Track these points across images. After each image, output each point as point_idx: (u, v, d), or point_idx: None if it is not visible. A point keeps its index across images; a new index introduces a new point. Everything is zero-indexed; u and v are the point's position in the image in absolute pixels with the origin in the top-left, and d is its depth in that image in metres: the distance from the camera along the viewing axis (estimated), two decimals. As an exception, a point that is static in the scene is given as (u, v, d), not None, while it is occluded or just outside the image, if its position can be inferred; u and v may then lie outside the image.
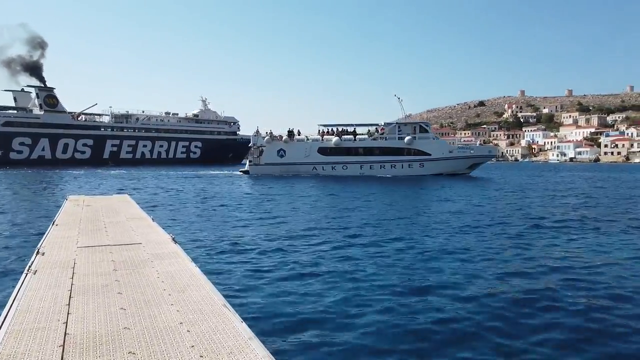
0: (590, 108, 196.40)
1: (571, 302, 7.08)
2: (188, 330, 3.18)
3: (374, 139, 47.40)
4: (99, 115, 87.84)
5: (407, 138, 45.26)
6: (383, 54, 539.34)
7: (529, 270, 9.01)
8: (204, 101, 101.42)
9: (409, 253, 10.57)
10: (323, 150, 46.81)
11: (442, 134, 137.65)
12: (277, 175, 44.79)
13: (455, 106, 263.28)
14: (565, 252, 10.71)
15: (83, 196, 12.69)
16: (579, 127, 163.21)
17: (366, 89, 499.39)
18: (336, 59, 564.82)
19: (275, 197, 24.27)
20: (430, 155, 45.59)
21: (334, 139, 46.85)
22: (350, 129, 49.21)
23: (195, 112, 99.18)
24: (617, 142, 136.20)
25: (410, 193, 27.50)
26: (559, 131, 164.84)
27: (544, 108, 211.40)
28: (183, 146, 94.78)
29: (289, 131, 49.20)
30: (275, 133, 48.17)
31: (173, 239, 6.27)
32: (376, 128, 50.06)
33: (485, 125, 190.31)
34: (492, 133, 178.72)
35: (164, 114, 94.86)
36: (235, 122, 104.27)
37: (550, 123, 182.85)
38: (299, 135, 49.08)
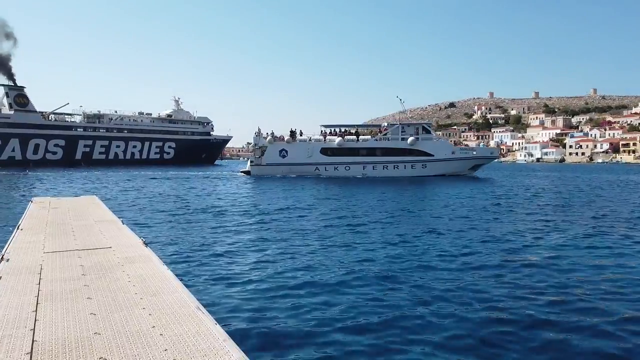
0: (556, 110, 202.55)
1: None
2: (161, 334, 3.13)
3: (377, 140, 47.46)
4: (70, 115, 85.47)
5: (410, 139, 45.45)
6: (355, 56, 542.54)
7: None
8: (176, 101, 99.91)
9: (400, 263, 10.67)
10: (326, 151, 46.67)
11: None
12: (280, 176, 44.47)
13: (426, 107, 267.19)
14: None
15: (49, 198, 12.29)
16: (545, 128, 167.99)
17: (337, 91, 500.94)
18: (308, 62, 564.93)
19: (261, 198, 24.10)
20: (433, 156, 45.85)
21: (337, 139, 46.82)
22: (352, 130, 49.56)
23: (168, 112, 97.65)
24: (581, 143, 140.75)
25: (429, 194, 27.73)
26: (526, 132, 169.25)
27: (512, 109, 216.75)
28: (157, 147, 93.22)
29: (291, 131, 49.03)
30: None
31: (144, 242, 6.16)
32: (379, 129, 50.63)
33: (455, 126, 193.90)
34: (462, 134, 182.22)
35: (137, 114, 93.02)
36: (209, 123, 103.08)
37: (518, 124, 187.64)
38: (301, 135, 48.92)
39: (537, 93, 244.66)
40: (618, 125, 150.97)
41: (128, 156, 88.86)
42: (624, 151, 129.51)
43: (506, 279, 8.43)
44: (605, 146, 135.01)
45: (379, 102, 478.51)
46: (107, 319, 3.40)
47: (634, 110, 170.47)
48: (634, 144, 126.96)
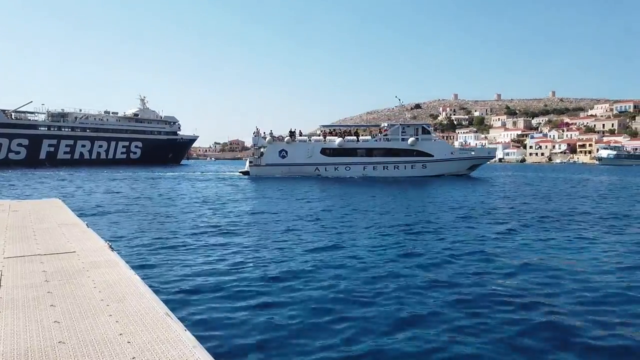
0: (517, 111, 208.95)
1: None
2: (128, 342, 3.09)
3: (377, 140, 47.68)
4: (32, 113, 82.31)
5: (410, 139, 45.82)
6: (323, 57, 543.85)
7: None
8: (142, 100, 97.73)
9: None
10: (326, 151, 46.57)
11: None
12: (279, 177, 44.09)
13: (393, 108, 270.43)
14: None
15: (8, 200, 11.80)
16: (507, 129, 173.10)
17: (305, 91, 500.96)
18: (276, 62, 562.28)
19: (241, 198, 23.83)
20: (432, 156, 46.29)
21: (338, 139, 46.81)
22: (351, 130, 49.91)
23: (134, 111, 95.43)
24: (540, 144, 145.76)
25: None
26: (489, 133, 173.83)
27: (476, 111, 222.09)
28: (123, 146, 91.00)
29: (290, 132, 48.73)
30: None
31: (110, 246, 6.02)
32: (379, 129, 50.90)
33: (319, 127, 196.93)
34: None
35: (102, 113, 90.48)
36: (176, 122, 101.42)
37: (481, 125, 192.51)
38: (300, 135, 48.72)
39: (499, 95, 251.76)
40: (575, 126, 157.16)
41: (94, 156, 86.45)
42: (581, 152, 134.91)
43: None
44: (563, 147, 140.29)
45: (347, 103, 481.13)
46: (72, 327, 3.32)
47: (590, 112, 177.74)
48: (590, 145, 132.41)
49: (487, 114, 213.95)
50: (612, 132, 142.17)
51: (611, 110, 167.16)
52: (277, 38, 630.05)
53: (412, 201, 23.17)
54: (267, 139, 47.03)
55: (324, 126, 52.12)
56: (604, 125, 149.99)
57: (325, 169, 46.29)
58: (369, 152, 46.65)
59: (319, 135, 49.93)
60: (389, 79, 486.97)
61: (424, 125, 50.14)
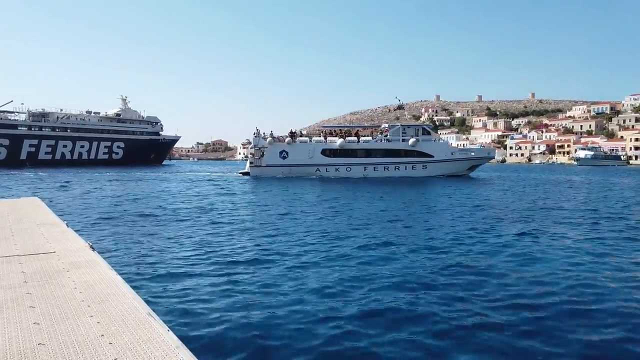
0: (498, 113, 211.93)
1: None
2: (110, 343, 3.05)
3: (377, 141, 47.89)
4: (12, 112, 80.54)
5: (411, 140, 46.04)
6: (306, 58, 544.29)
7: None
8: (124, 100, 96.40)
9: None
10: (327, 152, 46.63)
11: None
12: (280, 177, 44.03)
13: (376, 109, 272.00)
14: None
15: (-16, 201, 11.53)
16: (487, 130, 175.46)
17: (288, 91, 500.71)
18: (258, 62, 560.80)
19: (228, 199, 23.65)
20: (433, 157, 46.50)
21: (339, 140, 46.88)
22: (351, 131, 50.06)
23: (115, 111, 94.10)
24: (520, 145, 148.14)
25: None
26: (470, 134, 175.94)
27: (457, 112, 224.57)
28: (105, 146, 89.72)
29: (291, 132, 48.84)
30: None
31: (91, 246, 5.93)
32: (380, 130, 51.16)
33: (320, 127, 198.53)
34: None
35: (84, 113, 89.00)
36: (158, 122, 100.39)
37: (462, 126, 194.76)
38: (302, 136, 49.17)
39: (480, 96, 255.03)
40: (554, 127, 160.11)
41: (75, 156, 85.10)
42: (559, 152, 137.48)
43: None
44: (543, 147, 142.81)
45: (330, 103, 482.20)
46: (51, 329, 3.27)
47: (568, 113, 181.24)
48: (568, 146, 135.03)
49: (468, 115, 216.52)
50: (589, 133, 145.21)
51: (589, 111, 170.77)
52: (261, 38, 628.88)
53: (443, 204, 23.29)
54: (267, 140, 47.08)
55: (324, 126, 52.62)
56: (581, 126, 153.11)
57: (326, 169, 46.37)
58: (370, 152, 46.88)
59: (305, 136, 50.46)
60: (371, 80, 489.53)
61: (425, 126, 50.58)
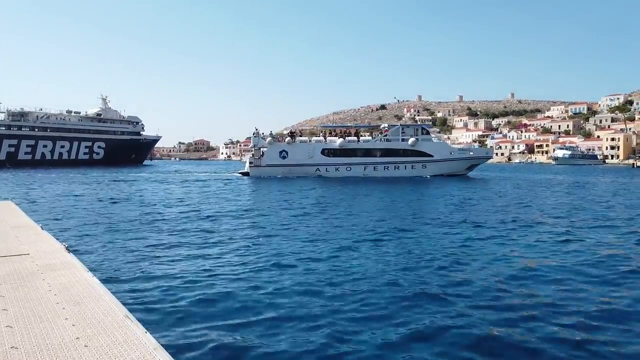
0: (478, 113, 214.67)
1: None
2: (86, 345, 2.99)
3: (377, 141, 48.10)
4: None
5: (411, 140, 46.29)
6: (288, 57, 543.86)
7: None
8: (104, 99, 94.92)
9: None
10: (327, 152, 46.68)
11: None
12: (280, 177, 44.02)
13: (359, 109, 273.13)
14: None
15: (-44, 203, 11.21)
16: (468, 130, 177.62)
17: (269, 90, 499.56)
18: (240, 61, 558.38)
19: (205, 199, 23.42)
20: (432, 156, 46.74)
21: (339, 140, 46.96)
22: (350, 131, 50.29)
23: (96, 111, 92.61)
24: (500, 144, 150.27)
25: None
26: (451, 134, 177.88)
27: (439, 112, 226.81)
28: (86, 147, 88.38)
29: (291, 132, 49.06)
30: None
31: (67, 248, 5.81)
32: (380, 130, 51.30)
33: (319, 127, 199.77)
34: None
35: (64, 113, 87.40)
36: (139, 122, 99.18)
37: (444, 126, 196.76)
38: (296, 136, 49.11)
39: (461, 97, 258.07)
40: (533, 127, 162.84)
41: (56, 156, 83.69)
42: (538, 152, 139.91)
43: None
44: (522, 147, 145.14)
45: (313, 103, 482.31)
46: (25, 332, 3.19)
47: (546, 113, 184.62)
48: (547, 145, 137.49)
49: (449, 115, 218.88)
50: (567, 133, 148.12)
51: (566, 112, 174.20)
52: (243, 38, 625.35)
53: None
54: (267, 140, 47.20)
55: (324, 126, 52.56)
56: (559, 126, 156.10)
57: (326, 169, 46.49)
58: (370, 152, 47.10)
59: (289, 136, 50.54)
60: (354, 80, 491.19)
61: (424, 126, 50.98)
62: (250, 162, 48.19)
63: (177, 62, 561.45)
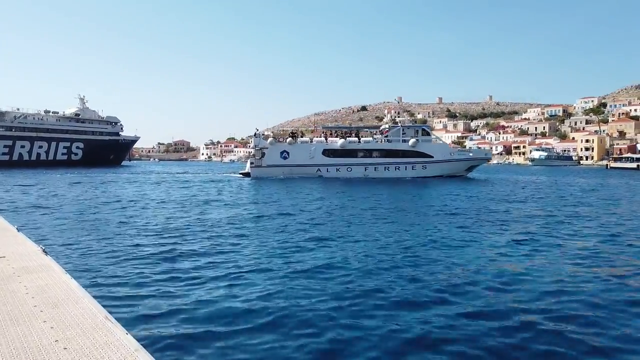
0: (457, 114, 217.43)
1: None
2: (65, 348, 2.97)
3: (378, 141, 48.19)
4: None
5: (411, 140, 46.45)
6: (270, 59, 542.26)
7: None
8: (81, 99, 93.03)
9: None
10: (328, 152, 46.68)
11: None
12: (281, 177, 43.80)
13: (340, 110, 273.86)
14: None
15: None
16: (448, 131, 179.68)
17: (250, 91, 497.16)
18: (220, 61, 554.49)
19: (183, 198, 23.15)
20: (432, 157, 46.91)
21: (340, 141, 46.98)
22: (349, 131, 50.60)
23: (74, 110, 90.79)
24: (479, 145, 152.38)
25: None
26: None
27: (419, 114, 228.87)
28: (64, 147, 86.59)
29: (292, 133, 48.93)
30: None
31: (44, 251, 5.73)
32: (380, 130, 51.52)
33: (319, 128, 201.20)
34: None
35: (42, 112, 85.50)
36: (118, 122, 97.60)
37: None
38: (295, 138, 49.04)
39: (440, 98, 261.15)
40: (510, 129, 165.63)
41: (34, 157, 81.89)
42: (516, 153, 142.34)
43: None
44: (500, 148, 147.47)
45: (294, 104, 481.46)
46: (2, 335, 3.15)
47: (523, 115, 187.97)
48: (524, 147, 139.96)
49: (429, 116, 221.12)
50: (543, 135, 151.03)
51: (543, 114, 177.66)
52: (222, 39, 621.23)
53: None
54: (269, 140, 47.21)
55: (325, 127, 53.04)
56: (536, 128, 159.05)
57: (327, 169, 46.53)
58: (370, 153, 47.26)
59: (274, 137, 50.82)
60: (334, 82, 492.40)
61: (424, 127, 51.32)
62: (251, 163, 48.09)
63: (155, 62, 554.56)
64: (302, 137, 49.32)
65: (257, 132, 48.33)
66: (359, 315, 6.65)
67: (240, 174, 49.67)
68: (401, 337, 5.90)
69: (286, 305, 7.03)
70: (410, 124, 52.54)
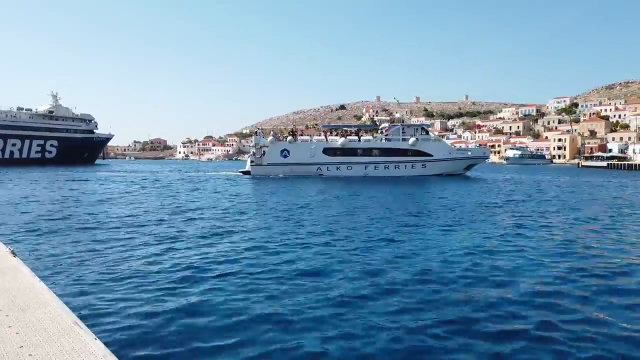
0: (434, 114, 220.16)
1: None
2: (30, 354, 2.86)
3: (378, 140, 48.45)
4: None
5: (411, 139, 46.66)
6: (247, 56, 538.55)
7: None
8: (54, 96, 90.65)
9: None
10: (328, 151, 46.71)
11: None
12: (281, 176, 43.82)
13: (319, 109, 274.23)
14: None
15: None
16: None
17: (231, 90, 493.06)
18: (198, 59, 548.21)
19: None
20: (432, 156, 47.15)
21: (340, 139, 47.06)
22: (349, 130, 51.15)
23: (47, 108, 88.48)
24: (455, 144, 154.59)
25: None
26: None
27: (397, 113, 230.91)
28: (38, 145, 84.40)
29: (292, 132, 49.36)
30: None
31: (12, 252, 5.54)
32: (380, 129, 51.80)
33: (319, 127, 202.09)
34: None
35: (15, 109, 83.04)
36: (92, 120, 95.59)
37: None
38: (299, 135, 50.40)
39: (418, 98, 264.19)
40: (486, 128, 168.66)
41: (7, 155, 79.72)
42: (491, 151, 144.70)
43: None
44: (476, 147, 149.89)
45: (273, 103, 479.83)
46: (-37, 342, 3.02)
47: (498, 115, 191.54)
48: (499, 146, 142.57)
49: (407, 115, 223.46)
50: (517, 134, 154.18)
51: (517, 113, 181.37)
52: (199, 34, 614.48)
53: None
54: (269, 139, 47.36)
55: (325, 126, 53.41)
56: (510, 127, 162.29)
57: (327, 168, 46.63)
58: (370, 151, 47.41)
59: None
60: (313, 81, 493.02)
61: (424, 126, 51.76)
62: (251, 161, 48.18)
63: (130, 59, 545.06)
64: (255, 134, 49.20)
65: (258, 131, 49.02)
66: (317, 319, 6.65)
67: (241, 172, 49.71)
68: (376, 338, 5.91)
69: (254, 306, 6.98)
70: (410, 123, 53.41)
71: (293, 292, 7.65)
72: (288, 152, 46.90)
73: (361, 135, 50.44)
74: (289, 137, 48.33)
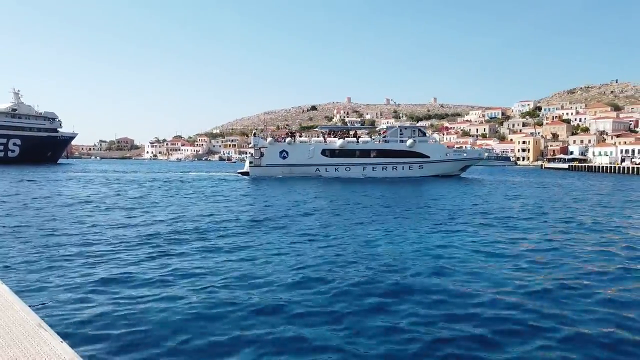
0: (404, 115, 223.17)
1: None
2: (-6, 358, 2.80)
3: (376, 142, 48.61)
4: None
5: (409, 141, 46.98)
6: (218, 56, 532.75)
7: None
8: (16, 94, 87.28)
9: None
10: (327, 152, 46.82)
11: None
12: (280, 177, 43.74)
13: (290, 109, 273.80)
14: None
15: None
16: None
17: (202, 89, 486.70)
18: (170, 57, 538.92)
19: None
20: (429, 157, 47.58)
21: (339, 141, 47.10)
22: (349, 131, 51.40)
23: (9, 105, 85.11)
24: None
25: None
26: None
27: (367, 114, 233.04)
28: (0, 143, 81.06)
29: (291, 133, 49.31)
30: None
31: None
32: (378, 131, 52.13)
33: (317, 128, 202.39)
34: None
35: None
36: (56, 118, 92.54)
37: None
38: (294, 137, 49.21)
39: (388, 100, 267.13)
40: (454, 130, 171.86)
41: None
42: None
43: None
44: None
45: (243, 103, 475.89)
46: None
47: (465, 117, 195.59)
48: (466, 147, 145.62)
49: (377, 117, 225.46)
50: (484, 136, 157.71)
51: (483, 116, 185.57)
52: (168, 33, 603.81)
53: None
54: (268, 140, 47.51)
55: (323, 127, 53.89)
56: (477, 129, 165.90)
57: (326, 169, 46.81)
58: (368, 153, 47.75)
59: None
60: (284, 81, 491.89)
61: (420, 128, 52.55)
62: (250, 162, 48.22)
63: (96, 56, 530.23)
64: (254, 136, 49.37)
65: (256, 132, 49.22)
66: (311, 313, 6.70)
67: (239, 173, 49.56)
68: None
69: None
70: (408, 125, 54.13)
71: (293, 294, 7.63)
72: (287, 153, 46.99)
73: (359, 137, 50.97)
74: (288, 139, 48.46)
